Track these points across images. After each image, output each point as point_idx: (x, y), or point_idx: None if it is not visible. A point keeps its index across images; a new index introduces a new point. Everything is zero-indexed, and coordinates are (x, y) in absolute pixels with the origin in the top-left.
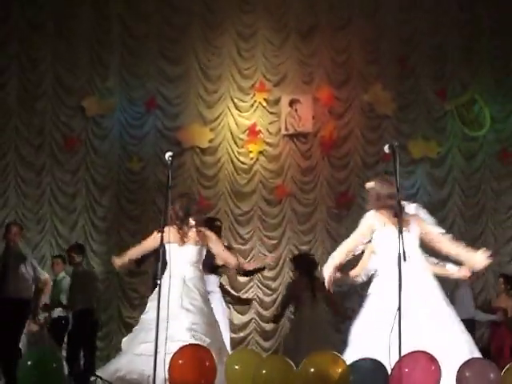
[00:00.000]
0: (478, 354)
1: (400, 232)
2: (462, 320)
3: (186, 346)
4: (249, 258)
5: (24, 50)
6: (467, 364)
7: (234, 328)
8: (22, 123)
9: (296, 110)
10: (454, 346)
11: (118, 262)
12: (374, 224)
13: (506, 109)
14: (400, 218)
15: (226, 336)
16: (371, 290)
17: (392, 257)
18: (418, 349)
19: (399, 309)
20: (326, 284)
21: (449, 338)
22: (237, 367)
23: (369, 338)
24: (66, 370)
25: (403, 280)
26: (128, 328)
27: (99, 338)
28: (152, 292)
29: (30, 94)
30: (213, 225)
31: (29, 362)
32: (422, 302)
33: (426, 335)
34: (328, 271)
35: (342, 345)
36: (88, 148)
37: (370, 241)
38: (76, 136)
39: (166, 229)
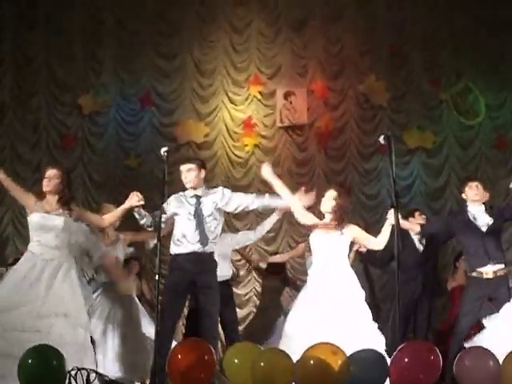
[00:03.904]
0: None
1: (397, 224)
2: None
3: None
4: (247, 251)
5: (17, 47)
6: (466, 352)
7: None
8: (18, 120)
9: (291, 103)
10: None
11: None
12: None
13: (501, 96)
14: (396, 210)
15: None
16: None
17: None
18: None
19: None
20: None
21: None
22: (236, 360)
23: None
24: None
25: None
26: None
27: None
28: None
29: (25, 91)
30: None
31: (29, 360)
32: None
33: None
34: None
35: None
36: (84, 145)
37: None
38: (72, 133)
39: None
